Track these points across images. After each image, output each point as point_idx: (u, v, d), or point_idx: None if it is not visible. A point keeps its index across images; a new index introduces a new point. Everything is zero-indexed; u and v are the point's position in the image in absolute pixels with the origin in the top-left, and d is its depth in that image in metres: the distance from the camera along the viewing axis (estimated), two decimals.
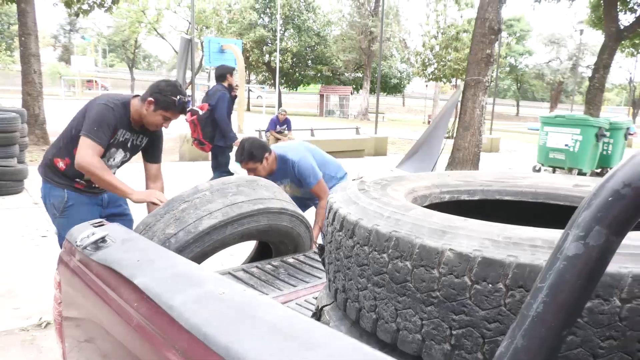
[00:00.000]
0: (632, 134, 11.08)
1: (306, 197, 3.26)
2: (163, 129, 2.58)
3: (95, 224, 1.33)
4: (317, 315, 1.19)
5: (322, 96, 33.78)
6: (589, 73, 37.57)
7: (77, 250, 1.21)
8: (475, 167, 8.10)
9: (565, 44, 40.46)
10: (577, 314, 0.50)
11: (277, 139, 11.60)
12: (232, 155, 4.80)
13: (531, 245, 0.79)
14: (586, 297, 0.50)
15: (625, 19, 13.37)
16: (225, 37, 27.83)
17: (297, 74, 34.59)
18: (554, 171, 10.23)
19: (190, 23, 37.48)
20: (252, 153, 2.87)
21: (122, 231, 1.27)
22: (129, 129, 2.47)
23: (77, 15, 13.34)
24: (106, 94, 2.49)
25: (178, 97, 2.40)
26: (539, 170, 10.33)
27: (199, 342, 0.76)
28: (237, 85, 5.53)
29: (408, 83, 39.07)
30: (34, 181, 7.33)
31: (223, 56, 19.92)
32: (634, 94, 42.28)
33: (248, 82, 33.86)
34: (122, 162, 2.62)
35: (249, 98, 33.43)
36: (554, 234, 0.83)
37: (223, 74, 5.40)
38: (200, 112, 5.06)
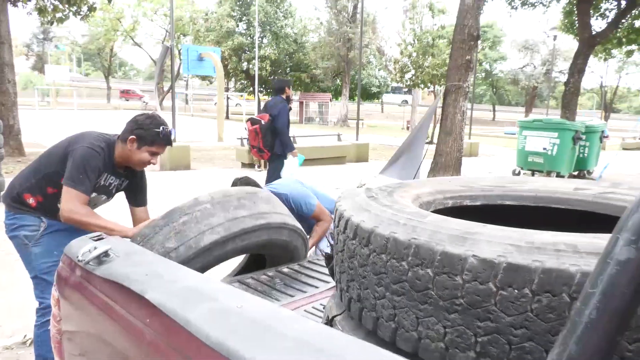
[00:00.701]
0: (606, 137, 11.37)
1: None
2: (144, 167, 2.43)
3: (95, 238, 1.29)
4: (328, 325, 1.17)
5: (301, 103, 33.81)
6: (562, 78, 38.55)
7: (78, 266, 1.16)
8: (458, 172, 8.20)
9: (539, 49, 41.41)
10: (630, 319, 0.50)
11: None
12: (286, 162, 5.47)
13: (555, 250, 0.79)
14: (639, 301, 0.49)
15: (598, 24, 13.76)
16: (203, 45, 27.67)
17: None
18: (533, 174, 10.42)
19: (167, 31, 37.21)
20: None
21: (124, 244, 1.23)
22: (113, 173, 2.33)
23: (51, 23, 13.09)
24: (89, 133, 2.27)
25: (161, 128, 2.28)
26: (518, 174, 10.50)
27: (221, 358, 0.74)
28: (292, 97, 5.89)
29: (387, 91, 39.44)
30: None
31: (202, 64, 19.84)
32: (605, 98, 43.49)
33: (227, 90, 33.71)
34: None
35: (227, 106, 33.26)
36: (575, 238, 0.83)
37: (282, 86, 5.70)
38: (263, 122, 5.39)
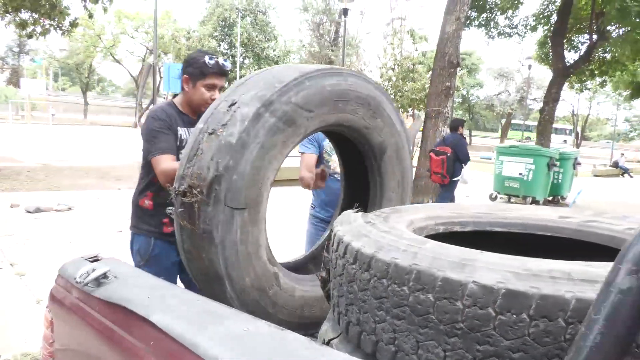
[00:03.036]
0: (578, 164, 11.73)
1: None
2: None
3: (91, 259, 1.28)
4: None
5: None
6: (535, 105, 39.72)
7: (75, 287, 1.16)
8: (437, 195, 8.30)
9: (514, 77, 42.69)
10: (631, 343, 0.54)
11: None
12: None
13: (551, 277, 0.83)
14: (639, 327, 0.53)
15: (571, 56, 14.32)
16: None
17: None
18: (509, 199, 10.64)
19: (148, 49, 37.13)
20: None
21: (122, 266, 1.23)
22: (189, 124, 2.25)
23: (30, 37, 12.93)
24: (150, 109, 2.31)
25: (206, 57, 2.16)
26: (495, 198, 10.71)
27: None
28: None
29: None
30: None
31: None
32: (576, 126, 44.90)
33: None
34: None
35: None
36: (569, 266, 0.87)
37: (457, 125, 7.25)
38: (448, 154, 6.81)
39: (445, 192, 7.10)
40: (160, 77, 25.10)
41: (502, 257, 0.91)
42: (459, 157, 6.87)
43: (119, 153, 16.73)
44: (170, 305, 1.00)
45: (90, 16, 12.80)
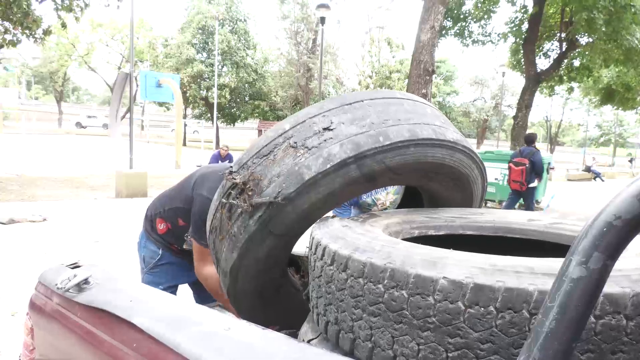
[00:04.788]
0: (552, 168, 12.01)
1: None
2: None
3: (71, 265, 1.29)
4: None
5: (260, 131, 33.86)
6: (510, 111, 40.55)
7: (56, 294, 1.17)
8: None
9: (488, 84, 43.54)
10: (583, 327, 0.59)
11: None
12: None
13: (515, 272, 0.89)
14: (589, 312, 0.59)
15: (542, 63, 14.71)
16: (162, 71, 27.49)
17: (234, 109, 34.65)
18: (485, 204, 10.83)
19: (124, 57, 36.75)
20: None
21: (103, 271, 1.25)
22: None
23: (0, 46, 12.68)
24: (211, 174, 2.07)
25: None
26: None
27: None
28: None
29: None
30: None
31: (160, 90, 19.67)
32: (550, 132, 45.97)
33: (185, 116, 33.40)
34: None
35: (185, 133, 32.92)
36: (532, 262, 0.93)
37: (532, 139, 8.38)
38: (527, 165, 7.99)
39: (524, 199, 8.51)
40: (137, 86, 24.82)
41: (469, 255, 0.96)
42: (534, 168, 8.13)
43: (95, 162, 16.48)
44: (152, 307, 1.02)
45: (64, 25, 12.64)
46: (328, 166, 1.24)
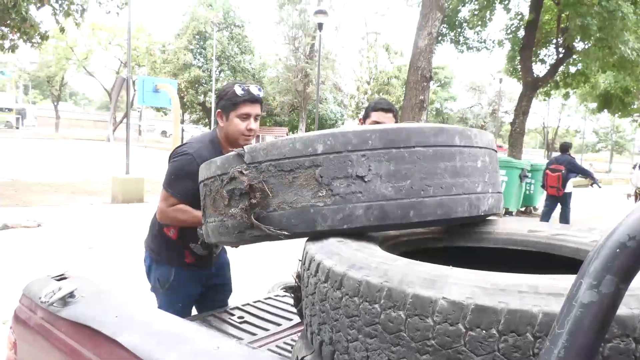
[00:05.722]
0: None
1: None
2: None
3: (58, 277, 1.25)
4: None
5: (258, 136, 33.85)
6: (507, 117, 40.71)
7: (40, 307, 1.12)
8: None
9: (485, 90, 43.69)
10: (594, 356, 0.55)
11: None
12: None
13: (518, 292, 0.84)
14: (601, 339, 0.55)
15: (538, 69, 14.74)
16: (159, 76, 27.49)
17: None
18: None
19: (122, 62, 36.73)
20: None
21: (90, 284, 1.20)
22: None
23: None
24: (191, 139, 2.20)
25: (235, 86, 2.08)
26: None
27: None
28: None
29: (342, 124, 40.26)
30: None
31: (157, 95, 19.60)
32: (547, 137, 46.12)
33: (182, 121, 33.39)
34: None
35: (182, 138, 32.88)
36: (535, 280, 0.89)
37: (567, 147, 9.02)
38: (563, 172, 8.60)
39: (561, 203, 9.10)
40: (135, 91, 24.81)
41: (469, 272, 0.92)
42: (576, 170, 9.02)
43: (92, 167, 16.41)
44: (139, 324, 0.98)
45: (62, 30, 12.62)
46: (344, 227, 1.15)
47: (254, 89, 2.11)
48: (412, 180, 1.16)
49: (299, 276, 1.29)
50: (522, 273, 0.95)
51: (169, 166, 2.16)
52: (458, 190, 1.21)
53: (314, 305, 1.10)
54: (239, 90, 2.07)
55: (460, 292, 0.85)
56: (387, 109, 2.62)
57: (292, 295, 1.31)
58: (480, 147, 1.31)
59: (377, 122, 2.53)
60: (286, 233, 1.15)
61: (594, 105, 24.96)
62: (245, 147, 1.21)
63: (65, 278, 1.26)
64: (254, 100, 2.10)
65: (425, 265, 0.97)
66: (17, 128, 37.50)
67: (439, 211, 1.18)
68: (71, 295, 1.11)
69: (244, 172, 1.18)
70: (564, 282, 0.88)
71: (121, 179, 10.32)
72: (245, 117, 2.09)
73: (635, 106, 23.32)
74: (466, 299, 0.84)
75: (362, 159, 1.14)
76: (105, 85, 41.19)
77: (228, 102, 2.09)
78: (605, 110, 24.37)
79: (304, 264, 1.19)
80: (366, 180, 1.14)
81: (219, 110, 2.15)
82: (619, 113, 24.02)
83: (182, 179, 2.07)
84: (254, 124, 2.12)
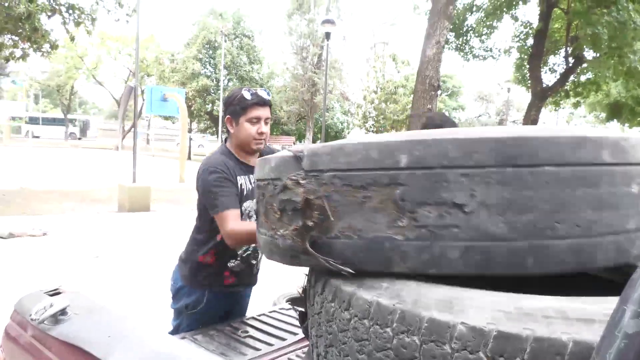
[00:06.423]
0: None
1: None
2: (275, 148, 2.27)
3: (50, 292, 1.18)
4: None
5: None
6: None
7: (31, 325, 1.06)
8: None
9: (493, 100, 43.57)
10: None
11: None
12: None
13: (544, 316, 0.77)
14: None
15: (547, 78, 14.64)
16: (168, 85, 27.66)
17: None
18: None
19: (131, 71, 37.05)
20: None
21: (84, 300, 1.14)
22: (246, 171, 2.10)
23: (7, 60, 12.75)
24: (203, 160, 2.13)
25: (242, 90, 2.06)
26: None
27: None
28: None
29: (348, 133, 40.27)
30: None
31: (165, 104, 19.75)
32: None
33: (190, 130, 33.53)
34: None
35: (190, 147, 33.00)
36: (562, 303, 0.81)
37: None
38: None
39: None
40: (143, 100, 24.96)
41: (489, 294, 0.84)
42: None
43: (100, 176, 16.47)
44: (132, 345, 0.91)
45: (72, 39, 12.72)
46: (430, 272, 0.88)
47: (263, 92, 2.08)
48: (536, 213, 0.83)
49: (305, 291, 1.22)
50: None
51: (202, 187, 2.03)
52: (601, 229, 0.87)
53: (320, 325, 1.02)
54: (247, 94, 2.03)
55: (481, 317, 0.77)
56: (438, 124, 2.51)
57: (297, 311, 1.24)
58: (628, 177, 0.91)
59: None
60: (350, 270, 0.90)
61: (603, 114, 24.77)
62: (305, 147, 0.97)
63: (58, 293, 1.19)
64: (263, 103, 2.06)
65: (442, 287, 0.89)
66: (80, 139, 38.46)
67: (569, 259, 0.85)
68: (63, 312, 1.05)
69: (301, 181, 0.93)
70: (595, 305, 0.80)
71: (128, 187, 10.30)
72: (256, 120, 2.05)
73: None
74: (487, 324, 0.76)
75: (463, 180, 0.83)
76: (115, 94, 41.54)
77: (237, 107, 2.05)
78: (615, 119, 24.18)
79: (310, 280, 1.13)
80: (466, 210, 0.84)
81: (228, 116, 2.11)
82: (628, 123, 23.80)
83: (222, 191, 1.98)
84: (265, 127, 2.07)
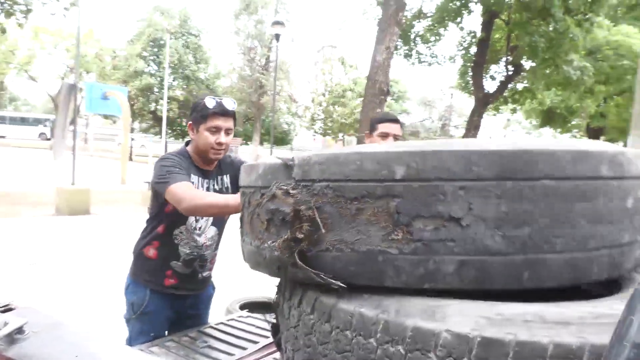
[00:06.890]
0: None
1: None
2: (236, 157, 2.24)
3: (3, 309, 1.09)
4: None
5: None
6: (456, 132, 42.02)
7: None
8: None
9: (436, 105, 45.00)
10: None
11: None
12: None
13: (524, 321, 0.79)
14: None
15: (489, 85, 15.32)
16: (108, 83, 26.56)
17: (184, 123, 33.93)
18: None
19: (69, 67, 35.25)
20: None
21: (42, 317, 1.05)
22: (202, 174, 2.09)
23: None
24: (164, 155, 2.10)
25: (206, 98, 2.02)
26: None
27: None
28: None
29: (296, 135, 40.30)
30: None
31: (106, 103, 18.93)
32: None
33: (132, 130, 32.37)
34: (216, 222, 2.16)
35: (131, 147, 31.86)
36: (540, 308, 0.84)
37: None
38: None
39: None
40: (82, 97, 23.82)
41: (468, 302, 0.86)
42: None
43: (35, 177, 15.53)
44: None
45: (3, 31, 11.95)
46: (424, 286, 0.87)
47: (228, 102, 2.04)
48: (533, 228, 0.84)
49: (276, 303, 1.19)
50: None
51: (155, 173, 1.99)
52: (597, 243, 0.88)
53: (298, 339, 1.00)
54: (210, 103, 1.99)
55: (465, 324, 0.79)
56: (395, 119, 2.58)
57: (269, 322, 1.21)
58: (635, 178, 0.94)
59: (386, 134, 2.47)
60: (341, 284, 0.88)
61: (538, 121, 26.23)
62: (295, 156, 0.93)
63: (11, 309, 1.10)
64: (224, 113, 2.02)
65: (422, 297, 0.89)
66: (49, 139, 35.67)
67: (565, 274, 0.86)
68: (20, 331, 0.97)
69: (291, 191, 0.91)
70: (570, 309, 0.83)
71: (66, 189, 9.79)
72: (215, 130, 2.02)
73: (574, 122, 24.68)
74: (471, 330, 0.77)
75: (460, 193, 0.82)
76: (50, 91, 39.35)
77: (198, 115, 2.03)
78: (548, 126, 25.67)
79: (283, 293, 1.10)
80: (463, 224, 0.83)
81: (189, 122, 2.09)
82: (560, 129, 25.35)
83: (174, 169, 1.95)
84: (224, 138, 2.04)
